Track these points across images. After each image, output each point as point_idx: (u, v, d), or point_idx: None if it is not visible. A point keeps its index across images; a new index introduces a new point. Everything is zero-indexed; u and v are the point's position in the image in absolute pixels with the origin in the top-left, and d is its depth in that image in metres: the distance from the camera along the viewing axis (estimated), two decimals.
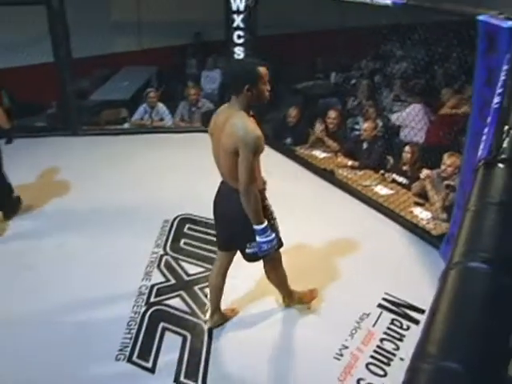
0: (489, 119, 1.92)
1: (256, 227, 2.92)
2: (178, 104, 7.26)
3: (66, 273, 4.06)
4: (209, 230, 4.56)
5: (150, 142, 6.57)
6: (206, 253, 4.30)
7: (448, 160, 4.72)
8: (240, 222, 2.99)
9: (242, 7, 6.16)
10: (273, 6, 6.18)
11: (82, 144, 6.62)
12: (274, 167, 5.73)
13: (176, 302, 3.75)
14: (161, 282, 3.95)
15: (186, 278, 4.01)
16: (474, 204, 1.08)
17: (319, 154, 6.13)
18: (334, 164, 5.83)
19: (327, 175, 5.66)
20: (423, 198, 5.00)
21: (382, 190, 5.27)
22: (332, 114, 6.19)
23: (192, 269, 4.11)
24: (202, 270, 4.10)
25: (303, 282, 3.74)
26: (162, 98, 7.19)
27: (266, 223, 2.93)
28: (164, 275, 4.03)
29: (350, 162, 5.78)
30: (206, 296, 3.79)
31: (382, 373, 3.19)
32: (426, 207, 4.90)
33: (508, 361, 0.73)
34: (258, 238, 2.95)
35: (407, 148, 5.37)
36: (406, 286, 3.86)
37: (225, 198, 3.12)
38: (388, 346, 3.39)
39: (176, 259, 4.23)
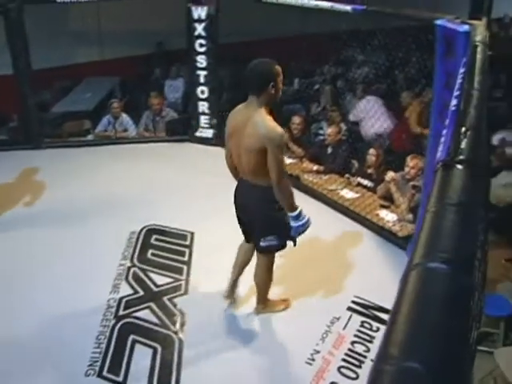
0: (447, 121, 1.96)
1: (291, 214, 3.13)
2: (142, 114, 7.22)
3: (32, 288, 3.97)
4: (176, 240, 4.54)
5: (114, 154, 6.50)
6: (173, 263, 4.27)
7: (411, 162, 4.81)
8: (258, 217, 3.26)
9: (203, 16, 6.17)
10: (234, 13, 6.20)
11: (45, 157, 6.51)
12: None
13: (145, 314, 3.71)
14: (129, 295, 3.90)
15: (154, 289, 3.98)
16: (434, 205, 1.10)
17: (285, 159, 6.14)
18: (300, 169, 5.86)
19: (293, 181, 5.67)
20: (388, 201, 5.06)
21: (347, 194, 5.32)
22: (296, 119, 6.23)
23: (160, 280, 4.07)
24: (170, 280, 4.06)
25: (272, 289, 3.74)
26: (125, 108, 7.14)
27: (299, 209, 3.13)
28: (132, 287, 3.99)
29: (315, 167, 5.82)
30: (175, 306, 3.77)
31: (354, 375, 3.21)
32: (391, 209, 4.96)
33: (468, 360, 0.75)
34: (293, 224, 3.15)
35: (372, 151, 5.44)
36: (374, 288, 3.90)
37: (244, 194, 3.31)
38: (359, 348, 3.41)
39: (144, 270, 4.18)
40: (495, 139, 6.09)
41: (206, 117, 6.59)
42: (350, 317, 3.67)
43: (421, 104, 6.28)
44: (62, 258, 4.35)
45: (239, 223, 3.48)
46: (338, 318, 3.65)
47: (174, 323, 3.62)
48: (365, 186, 5.41)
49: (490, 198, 4.59)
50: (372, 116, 5.74)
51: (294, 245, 3.37)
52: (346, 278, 4.07)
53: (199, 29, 6.22)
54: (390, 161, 5.33)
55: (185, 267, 4.22)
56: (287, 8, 5.61)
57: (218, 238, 4.51)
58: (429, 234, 0.98)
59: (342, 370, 3.24)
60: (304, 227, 3.21)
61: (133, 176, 5.87)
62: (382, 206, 5.03)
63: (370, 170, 5.45)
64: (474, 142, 1.43)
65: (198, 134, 6.69)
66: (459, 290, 0.82)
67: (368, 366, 3.23)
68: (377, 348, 0.68)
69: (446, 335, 0.73)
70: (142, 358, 3.31)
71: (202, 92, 6.48)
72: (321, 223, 3.62)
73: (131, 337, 3.49)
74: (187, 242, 4.53)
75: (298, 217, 3.14)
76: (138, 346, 3.42)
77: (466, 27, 3.32)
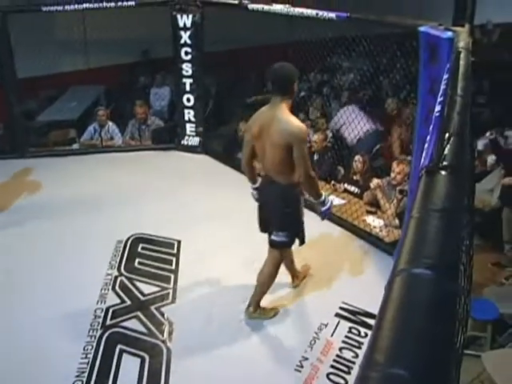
0: (431, 127, 1.97)
1: (318, 200, 3.42)
2: (128, 123, 7.19)
3: (18, 298, 3.93)
4: (163, 249, 4.53)
5: (99, 162, 6.47)
6: (161, 272, 4.25)
7: (397, 168, 4.84)
8: (276, 212, 3.47)
9: (188, 24, 6.17)
10: (219, 21, 6.22)
11: (30, 166, 6.46)
12: (227, 182, 5.76)
13: (132, 324, 3.68)
14: (116, 304, 3.87)
15: (141, 298, 3.95)
16: (418, 211, 1.10)
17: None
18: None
19: None
20: (375, 207, 5.09)
21: (334, 200, 5.31)
22: None
23: (147, 289, 4.05)
24: (157, 289, 4.04)
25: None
26: (111, 116, 7.12)
27: (324, 195, 3.44)
28: (119, 296, 3.96)
29: None
30: (162, 315, 3.75)
31: (342, 382, 3.21)
32: (378, 215, 4.98)
33: (454, 365, 0.75)
34: (321, 208, 3.45)
35: (358, 157, 5.46)
36: (361, 294, 3.90)
37: (266, 190, 3.53)
38: (347, 354, 3.41)
39: (131, 280, 4.16)
40: (480, 144, 6.15)
41: (192, 125, 6.58)
42: (338, 323, 3.67)
43: (401, 127, 6.29)
44: (47, 268, 4.31)
45: (259, 218, 3.66)
46: (326, 325, 3.64)
47: (161, 332, 3.59)
48: (351, 193, 5.42)
49: (475, 202, 4.63)
50: (351, 122, 5.76)
51: (300, 244, 3.62)
52: (334, 284, 4.07)
53: (185, 37, 6.21)
54: (377, 167, 5.36)
55: (172, 276, 4.19)
56: (274, 16, 5.64)
57: (204, 246, 4.51)
58: (413, 240, 0.98)
59: (331, 376, 3.24)
60: (330, 209, 3.54)
61: (119, 185, 5.84)
62: (369, 212, 5.05)
63: (356, 177, 5.47)
64: (457, 148, 1.44)
65: (184, 142, 6.68)
66: (444, 296, 0.83)
67: (357, 371, 3.22)
68: None
69: (431, 341, 0.73)
70: (129, 368, 3.28)
71: (188, 100, 6.47)
72: (307, 230, 3.63)
73: (119, 346, 3.46)
74: (174, 251, 4.51)
75: (324, 201, 3.43)
76: (125, 356, 3.39)
77: (449, 34, 3.35)
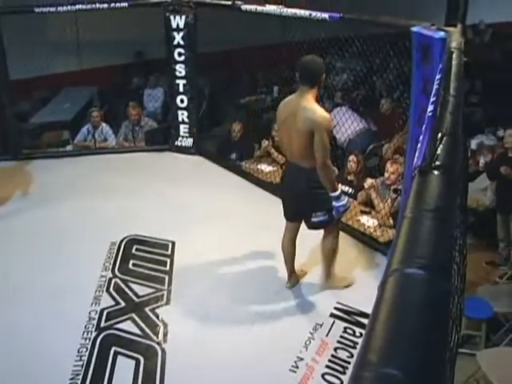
0: (424, 127, 1.98)
1: (332, 194, 3.48)
2: (121, 124, 7.18)
3: (12, 301, 3.91)
4: (157, 250, 4.52)
5: (93, 164, 6.45)
6: (155, 273, 4.24)
7: (391, 168, 4.85)
8: (307, 197, 3.57)
9: (181, 25, 6.16)
10: (212, 22, 6.22)
11: (24, 168, 6.44)
12: (220, 183, 5.76)
13: (127, 325, 3.67)
14: (111, 306, 3.86)
15: (136, 299, 3.94)
16: (411, 211, 1.11)
17: (265, 167, 6.15)
18: (281, 176, 5.85)
19: (274, 188, 5.68)
20: (369, 206, 5.09)
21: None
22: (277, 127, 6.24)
23: (142, 290, 4.03)
24: (152, 290, 4.03)
25: None
26: (105, 118, 7.10)
27: (339, 190, 3.51)
28: (114, 298, 3.95)
29: None
30: (157, 317, 3.74)
31: (338, 382, 3.21)
32: (372, 215, 4.99)
33: (448, 365, 0.75)
34: (334, 203, 3.51)
35: (352, 157, 5.47)
36: (356, 294, 3.90)
37: (293, 176, 3.68)
38: (342, 354, 3.41)
39: (125, 281, 4.14)
40: (473, 144, 6.17)
41: (186, 126, 6.57)
42: (333, 323, 3.68)
43: (395, 143, 6.28)
44: (41, 269, 4.29)
45: (284, 205, 3.81)
46: (321, 325, 3.65)
47: (156, 334, 3.59)
48: (345, 193, 5.42)
49: (469, 202, 4.64)
50: (344, 122, 5.77)
51: (338, 220, 3.78)
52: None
53: (178, 38, 6.20)
54: (370, 167, 5.37)
55: (166, 277, 4.18)
56: (267, 16, 5.65)
57: (198, 247, 4.50)
58: (406, 240, 0.99)
59: (327, 376, 3.24)
60: (345, 207, 3.58)
61: (113, 186, 5.82)
62: (363, 212, 5.06)
63: (350, 177, 5.48)
64: (450, 148, 1.44)
65: (177, 143, 6.67)
66: (437, 296, 0.83)
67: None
68: None
69: (425, 341, 0.73)
70: (124, 370, 3.27)
71: (182, 101, 6.46)
72: (301, 230, 3.64)
73: (113, 348, 3.45)
74: (168, 252, 4.50)
75: (339, 197, 3.51)
76: (120, 358, 3.38)
77: (441, 34, 3.36)
